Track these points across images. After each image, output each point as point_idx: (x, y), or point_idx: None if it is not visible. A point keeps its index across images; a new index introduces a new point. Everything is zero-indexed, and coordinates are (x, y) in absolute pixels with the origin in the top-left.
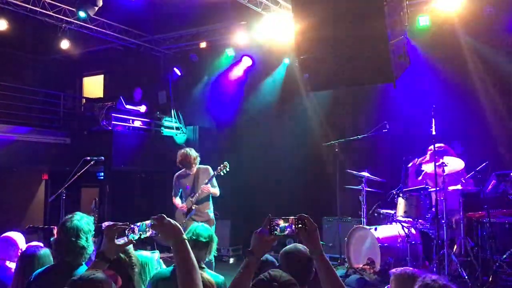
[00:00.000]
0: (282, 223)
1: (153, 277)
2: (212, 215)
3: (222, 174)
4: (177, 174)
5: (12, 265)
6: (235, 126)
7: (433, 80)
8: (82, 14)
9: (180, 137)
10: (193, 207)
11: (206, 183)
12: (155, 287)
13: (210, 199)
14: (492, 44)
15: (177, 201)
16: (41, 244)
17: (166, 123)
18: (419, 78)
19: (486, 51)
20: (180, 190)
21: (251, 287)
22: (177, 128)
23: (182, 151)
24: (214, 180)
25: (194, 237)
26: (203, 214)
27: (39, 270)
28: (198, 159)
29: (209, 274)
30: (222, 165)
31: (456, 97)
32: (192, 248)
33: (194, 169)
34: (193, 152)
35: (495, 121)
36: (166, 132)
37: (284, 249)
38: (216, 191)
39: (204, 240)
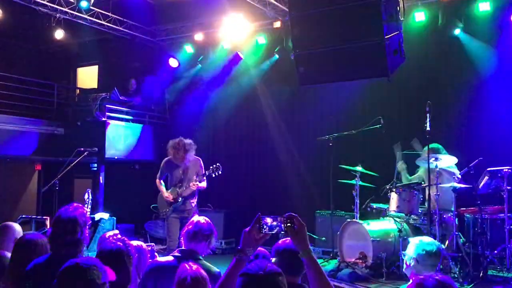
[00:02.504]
0: (271, 222)
1: (149, 267)
2: (194, 204)
3: (213, 176)
4: (166, 159)
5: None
6: (229, 119)
7: (427, 75)
8: (84, 3)
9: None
10: (179, 199)
11: (196, 179)
12: (151, 277)
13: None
14: (486, 39)
15: (162, 187)
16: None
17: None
18: (414, 73)
19: (480, 46)
20: (166, 174)
21: (238, 277)
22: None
23: (175, 141)
24: (203, 172)
25: (196, 229)
26: (186, 205)
27: (35, 260)
28: (193, 150)
29: (205, 266)
30: (214, 166)
31: (450, 93)
32: (192, 239)
33: (185, 160)
34: (188, 143)
35: (488, 116)
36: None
37: (276, 242)
38: (203, 185)
39: (205, 232)
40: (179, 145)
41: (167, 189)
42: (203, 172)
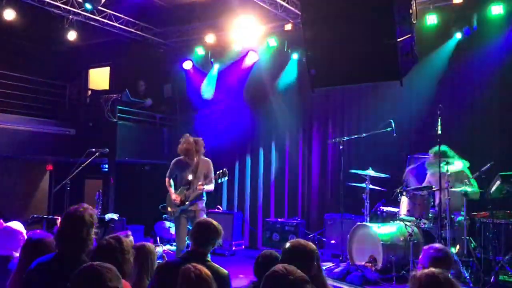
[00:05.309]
0: None
1: (158, 267)
2: (202, 205)
3: (220, 181)
4: (176, 159)
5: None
6: (240, 122)
7: (439, 79)
8: (88, 6)
9: None
10: (187, 203)
11: (204, 182)
12: (159, 276)
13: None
14: (498, 43)
15: (171, 188)
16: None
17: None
18: (425, 77)
19: (492, 50)
20: (175, 174)
21: (264, 277)
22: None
23: (187, 138)
24: (212, 174)
25: (202, 232)
26: (194, 206)
27: (40, 258)
28: (203, 149)
29: (213, 267)
30: (221, 171)
31: (462, 97)
32: (198, 241)
33: (196, 159)
34: (200, 142)
35: (501, 121)
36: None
37: (286, 243)
38: (211, 187)
39: (211, 234)
40: (195, 143)
41: (176, 188)
42: (212, 175)
